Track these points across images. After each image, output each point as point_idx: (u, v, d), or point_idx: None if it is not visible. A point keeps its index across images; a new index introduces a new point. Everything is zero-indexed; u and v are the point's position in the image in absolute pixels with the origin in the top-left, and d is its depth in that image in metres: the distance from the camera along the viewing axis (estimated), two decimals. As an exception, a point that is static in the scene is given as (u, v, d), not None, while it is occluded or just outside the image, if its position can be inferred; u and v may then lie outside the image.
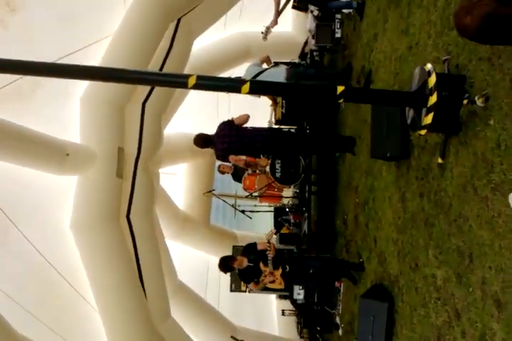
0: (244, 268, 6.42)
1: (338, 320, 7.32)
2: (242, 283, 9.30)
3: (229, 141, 6.92)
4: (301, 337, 9.36)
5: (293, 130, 9.13)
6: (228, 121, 7.03)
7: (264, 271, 6.25)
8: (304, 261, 6.81)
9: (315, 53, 9.13)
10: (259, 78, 7.10)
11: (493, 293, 3.17)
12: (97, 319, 6.87)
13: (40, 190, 6.79)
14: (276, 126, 9.09)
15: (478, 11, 2.02)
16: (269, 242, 6.39)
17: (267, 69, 7.44)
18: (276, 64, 7.77)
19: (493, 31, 2.05)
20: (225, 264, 6.47)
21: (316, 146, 7.47)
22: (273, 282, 6.29)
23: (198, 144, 7.34)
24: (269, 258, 6.19)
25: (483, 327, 3.27)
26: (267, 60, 7.76)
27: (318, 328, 8.11)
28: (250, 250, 6.54)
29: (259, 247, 6.44)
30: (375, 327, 5.22)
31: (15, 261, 6.57)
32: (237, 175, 9.88)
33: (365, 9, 7.07)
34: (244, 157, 7.45)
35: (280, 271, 6.25)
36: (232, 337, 7.89)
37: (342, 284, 7.13)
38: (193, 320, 9.30)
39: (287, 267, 6.33)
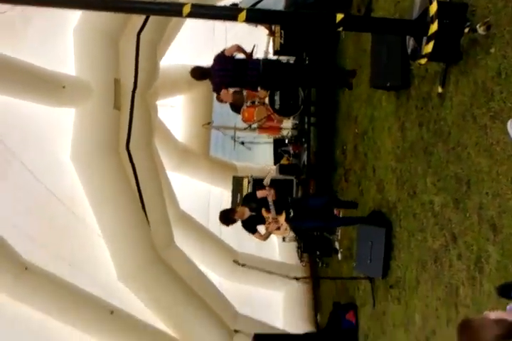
0: (246, 218, 6.28)
1: (337, 245, 7.56)
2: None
3: (223, 75, 6.85)
4: (302, 261, 9.66)
5: (292, 61, 8.97)
6: (221, 53, 6.91)
7: (267, 218, 6.06)
8: (306, 202, 6.72)
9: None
10: (257, 7, 6.89)
11: (489, 217, 3.28)
12: (102, 245, 7.06)
13: (39, 122, 6.78)
14: (275, 57, 8.94)
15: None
16: (267, 188, 6.26)
17: None
18: None
19: None
20: (225, 217, 6.35)
21: (315, 79, 7.36)
22: (278, 229, 6.09)
23: (194, 77, 7.27)
24: (270, 203, 6.02)
25: (478, 250, 3.42)
26: None
27: (318, 253, 8.37)
28: (250, 199, 6.47)
29: (259, 195, 6.30)
30: (373, 251, 5.41)
31: (17, 191, 6.66)
32: (236, 106, 9.80)
33: None
34: (231, 91, 7.36)
35: (284, 215, 6.03)
36: (234, 261, 8.15)
37: (341, 211, 7.30)
38: (196, 247, 9.57)
39: (291, 211, 6.12)
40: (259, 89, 7.75)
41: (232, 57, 6.88)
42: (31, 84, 6.37)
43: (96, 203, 6.95)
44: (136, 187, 7.45)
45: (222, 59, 6.84)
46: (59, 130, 7.06)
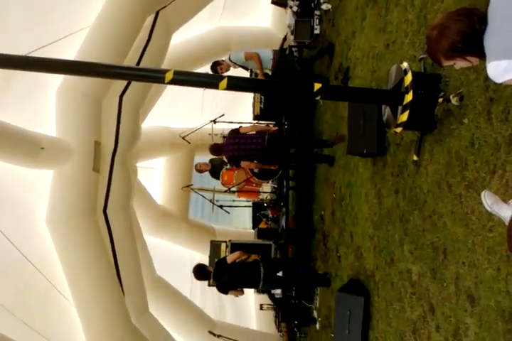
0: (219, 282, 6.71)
1: (315, 314, 7.37)
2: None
3: (234, 149, 7.30)
4: (279, 331, 9.40)
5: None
6: (234, 129, 7.54)
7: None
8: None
9: (294, 49, 9.14)
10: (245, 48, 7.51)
11: (466, 288, 3.22)
12: (74, 313, 6.82)
13: (15, 183, 6.70)
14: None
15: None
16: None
17: None
18: None
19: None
20: (200, 272, 6.88)
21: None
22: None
23: (212, 152, 8.00)
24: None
25: (456, 322, 3.33)
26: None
27: (296, 322, 8.15)
28: (221, 267, 6.80)
29: (229, 260, 6.77)
30: (351, 321, 5.26)
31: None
32: (215, 171, 9.88)
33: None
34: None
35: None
36: (209, 331, 7.89)
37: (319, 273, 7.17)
38: (171, 315, 9.29)
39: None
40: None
41: (244, 134, 7.39)
42: (9, 145, 6.31)
43: (69, 270, 6.77)
44: (111, 253, 7.29)
45: (235, 134, 7.42)
46: (36, 192, 6.97)
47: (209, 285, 9.68)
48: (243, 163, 7.59)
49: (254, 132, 7.45)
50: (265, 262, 6.81)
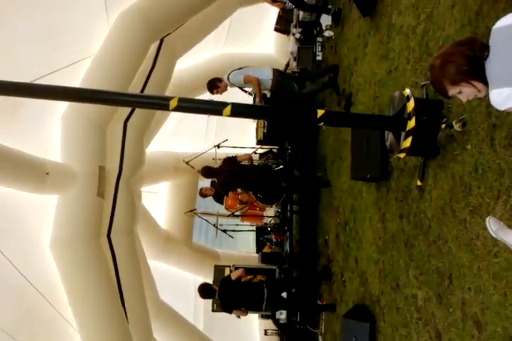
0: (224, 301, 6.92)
1: (320, 339, 7.30)
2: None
3: (228, 175, 7.68)
4: (284, 358, 9.28)
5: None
6: (231, 157, 7.83)
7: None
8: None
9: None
10: (244, 70, 7.40)
11: (472, 314, 3.21)
12: (78, 339, 6.76)
13: (20, 207, 6.71)
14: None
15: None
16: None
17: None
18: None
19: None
20: (205, 291, 7.09)
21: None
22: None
23: (204, 174, 8.19)
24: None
25: (463, 348, 3.30)
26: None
27: (301, 348, 8.06)
28: (226, 285, 6.98)
29: (233, 277, 6.98)
30: (357, 347, 5.21)
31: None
32: (219, 196, 9.90)
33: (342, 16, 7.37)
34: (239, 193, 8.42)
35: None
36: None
37: (324, 303, 7.13)
38: (175, 340, 9.21)
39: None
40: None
41: (239, 163, 7.83)
42: (14, 170, 6.34)
43: (72, 296, 6.72)
44: (115, 278, 7.26)
45: (231, 162, 7.77)
46: (41, 217, 6.98)
47: (213, 310, 9.63)
48: (231, 194, 8.23)
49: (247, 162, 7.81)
50: (269, 283, 6.99)
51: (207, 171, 8.08)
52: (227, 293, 6.80)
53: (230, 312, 6.92)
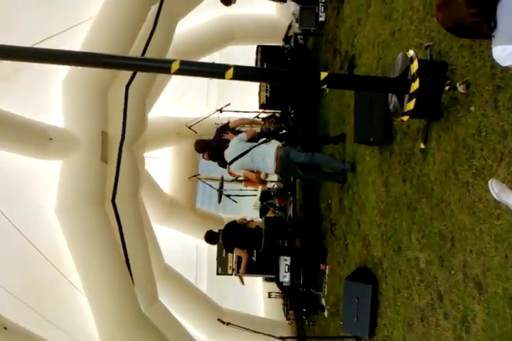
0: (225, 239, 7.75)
1: (323, 301, 7.41)
2: (229, 266, 9.50)
3: (222, 144, 7.29)
4: (288, 319, 9.45)
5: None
6: (226, 124, 7.70)
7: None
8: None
9: (299, 37, 9.09)
10: (250, 155, 6.53)
11: (474, 275, 3.24)
12: (84, 302, 6.88)
13: (24, 173, 6.74)
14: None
15: (448, 13, 2.02)
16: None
17: (255, 146, 6.56)
18: (267, 138, 6.81)
19: (463, 32, 2.07)
20: (211, 237, 7.96)
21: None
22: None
23: (197, 149, 8.22)
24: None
25: (464, 309, 3.35)
26: (254, 134, 7.00)
27: (304, 310, 8.20)
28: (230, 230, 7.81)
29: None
30: (359, 308, 5.29)
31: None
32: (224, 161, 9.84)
33: None
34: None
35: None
36: (218, 319, 7.93)
37: (327, 266, 7.21)
38: (180, 303, 9.37)
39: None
40: None
41: (234, 130, 7.57)
42: (17, 136, 6.33)
43: (79, 259, 6.81)
44: (120, 242, 7.34)
45: (225, 130, 7.57)
46: (45, 182, 7.01)
47: (217, 273, 9.77)
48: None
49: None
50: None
51: (200, 145, 8.03)
52: (230, 234, 7.71)
53: (231, 250, 7.88)
